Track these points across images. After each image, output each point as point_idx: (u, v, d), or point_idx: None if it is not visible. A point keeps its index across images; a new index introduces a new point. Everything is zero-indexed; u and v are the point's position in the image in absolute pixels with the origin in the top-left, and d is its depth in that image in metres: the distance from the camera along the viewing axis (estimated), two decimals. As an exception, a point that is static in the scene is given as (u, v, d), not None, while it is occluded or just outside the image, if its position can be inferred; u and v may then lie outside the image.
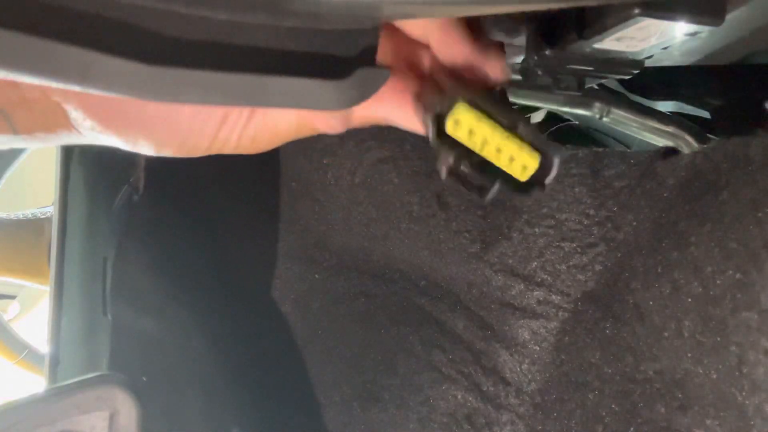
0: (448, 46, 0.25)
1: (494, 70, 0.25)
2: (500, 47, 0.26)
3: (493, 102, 0.25)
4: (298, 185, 0.57)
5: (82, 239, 0.51)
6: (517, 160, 0.25)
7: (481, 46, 0.25)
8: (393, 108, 0.26)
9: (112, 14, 0.16)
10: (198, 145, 0.25)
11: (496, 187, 0.25)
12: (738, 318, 0.32)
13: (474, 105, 0.24)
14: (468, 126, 0.24)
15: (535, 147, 0.25)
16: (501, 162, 0.25)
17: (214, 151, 0.26)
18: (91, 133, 0.23)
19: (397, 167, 0.51)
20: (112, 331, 0.47)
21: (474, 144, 0.25)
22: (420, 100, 0.26)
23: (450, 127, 0.24)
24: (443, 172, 0.25)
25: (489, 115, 0.24)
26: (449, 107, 0.24)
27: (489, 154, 0.25)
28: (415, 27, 0.25)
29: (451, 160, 0.25)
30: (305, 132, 0.26)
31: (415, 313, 0.54)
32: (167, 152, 0.25)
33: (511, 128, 0.25)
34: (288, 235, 0.59)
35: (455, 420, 0.51)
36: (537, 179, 0.26)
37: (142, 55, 0.17)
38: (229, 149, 0.26)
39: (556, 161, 0.25)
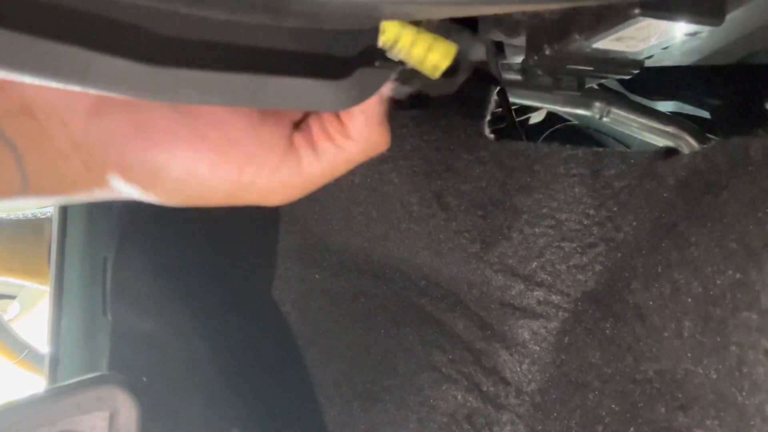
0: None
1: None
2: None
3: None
4: (298, 185, 0.57)
5: (82, 239, 0.51)
6: (430, 56, 0.26)
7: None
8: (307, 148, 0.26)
9: (112, 14, 0.16)
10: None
11: (417, 81, 0.27)
12: (738, 318, 0.32)
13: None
14: (392, 34, 0.25)
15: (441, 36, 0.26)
16: (417, 53, 0.26)
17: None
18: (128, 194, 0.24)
19: (397, 167, 0.51)
20: (112, 331, 0.47)
21: (400, 49, 0.25)
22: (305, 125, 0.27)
23: (381, 42, 0.25)
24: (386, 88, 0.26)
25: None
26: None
27: (406, 49, 0.25)
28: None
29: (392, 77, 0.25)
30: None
31: (415, 313, 0.54)
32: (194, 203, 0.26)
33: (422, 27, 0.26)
34: (288, 235, 0.59)
35: (455, 420, 0.51)
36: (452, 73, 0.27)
37: (142, 55, 0.17)
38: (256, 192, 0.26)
39: (454, 48, 0.26)
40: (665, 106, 0.56)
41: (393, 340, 0.55)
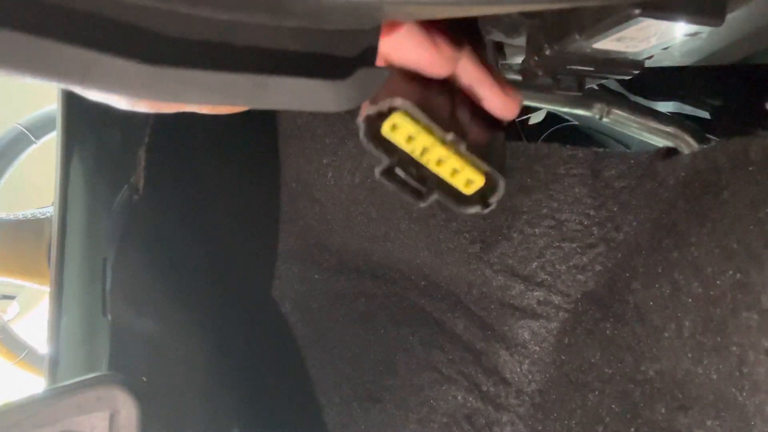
0: (398, 50, 0.23)
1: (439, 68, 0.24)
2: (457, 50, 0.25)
3: (438, 112, 0.23)
4: (298, 185, 0.57)
5: (82, 239, 0.51)
6: (462, 173, 0.24)
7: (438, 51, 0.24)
8: None
9: (113, 14, 0.16)
10: None
11: (435, 195, 0.25)
12: (738, 318, 0.32)
13: (415, 113, 0.23)
14: (407, 132, 0.23)
15: (478, 167, 0.24)
16: (443, 172, 0.24)
17: None
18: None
19: (397, 167, 0.51)
20: (111, 331, 0.47)
21: (413, 150, 0.23)
22: None
23: (386, 130, 0.23)
24: (377, 171, 0.24)
25: (430, 128, 0.23)
26: (388, 110, 0.23)
27: (430, 162, 0.24)
28: None
29: (385, 162, 0.24)
30: None
31: (415, 313, 0.54)
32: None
33: (453, 146, 0.24)
34: (288, 235, 0.59)
35: (455, 420, 0.51)
36: (482, 196, 0.25)
37: (143, 55, 0.17)
38: None
39: (502, 184, 0.24)
40: (665, 107, 0.56)
41: (393, 340, 0.55)
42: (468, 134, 0.24)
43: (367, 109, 0.23)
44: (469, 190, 0.25)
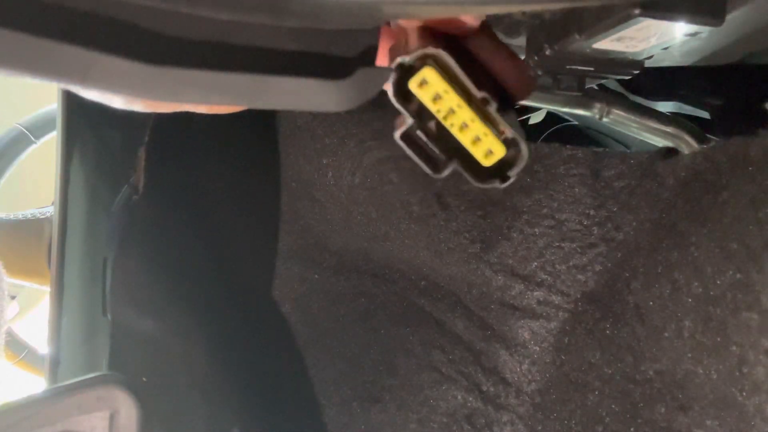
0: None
1: (469, 19, 0.23)
2: None
3: (472, 69, 0.22)
4: (298, 185, 0.57)
5: (82, 239, 0.51)
6: (484, 141, 0.23)
7: None
8: None
9: (112, 14, 0.16)
10: None
11: (453, 165, 0.23)
12: (738, 318, 0.32)
13: (447, 67, 0.22)
14: (435, 89, 0.22)
15: (505, 133, 0.23)
16: (465, 139, 0.23)
17: None
18: None
19: (397, 167, 0.51)
20: (111, 331, 0.47)
21: (438, 111, 0.22)
22: (392, 53, 0.23)
23: (414, 86, 0.22)
24: (396, 133, 0.23)
25: (462, 84, 0.22)
26: (419, 62, 0.22)
27: (453, 126, 0.23)
28: None
29: (408, 122, 0.23)
30: None
31: (415, 313, 0.54)
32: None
33: (483, 105, 0.22)
34: (288, 235, 0.59)
35: (455, 420, 0.51)
36: (500, 169, 0.24)
37: (142, 55, 0.17)
38: None
39: (525, 153, 0.23)
40: (665, 107, 0.56)
41: (393, 340, 0.55)
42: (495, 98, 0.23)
43: (399, 59, 0.22)
44: (488, 161, 0.23)
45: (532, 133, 0.74)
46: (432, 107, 0.22)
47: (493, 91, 0.24)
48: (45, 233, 0.80)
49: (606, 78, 0.35)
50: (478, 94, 0.22)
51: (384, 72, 0.21)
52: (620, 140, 0.77)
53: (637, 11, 0.24)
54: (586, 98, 0.53)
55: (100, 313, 0.48)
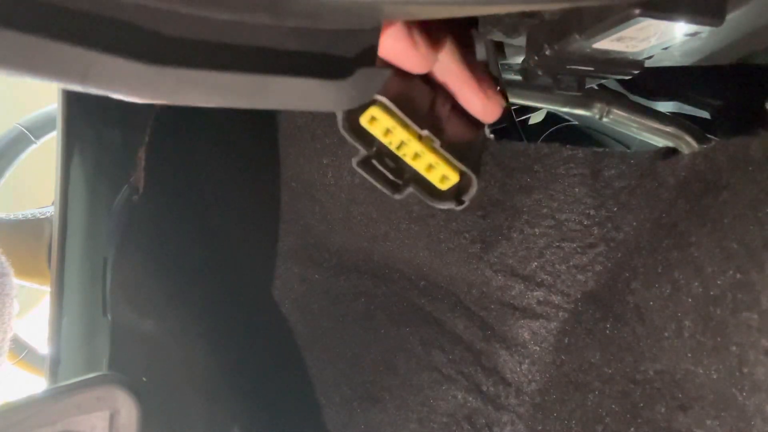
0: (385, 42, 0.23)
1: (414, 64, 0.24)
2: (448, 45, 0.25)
3: (416, 108, 0.24)
4: (298, 185, 0.57)
5: (82, 239, 0.51)
6: (437, 169, 0.24)
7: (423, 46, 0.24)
8: None
9: (112, 14, 0.16)
10: None
11: (410, 188, 0.25)
12: (738, 318, 0.32)
13: (391, 108, 0.23)
14: (385, 125, 0.23)
15: (453, 165, 0.25)
16: (418, 166, 0.25)
17: None
18: None
19: (397, 167, 0.51)
20: (111, 331, 0.47)
21: (390, 143, 0.24)
22: None
23: (365, 122, 0.23)
24: (354, 161, 0.25)
25: (405, 123, 0.24)
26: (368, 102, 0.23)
27: (407, 156, 0.24)
28: None
29: (361, 153, 0.24)
30: None
31: (415, 313, 0.54)
32: None
33: (428, 142, 0.24)
34: (288, 235, 0.59)
35: (455, 420, 0.51)
36: (458, 192, 0.26)
37: (142, 55, 0.17)
38: None
39: (474, 183, 0.25)
40: (665, 107, 0.56)
41: (393, 340, 0.55)
42: (445, 131, 0.25)
43: None
44: (443, 186, 0.25)
45: (532, 133, 0.74)
46: (384, 140, 0.24)
47: (456, 117, 0.25)
48: (45, 233, 0.80)
49: (606, 78, 0.35)
50: (422, 133, 0.24)
51: (384, 72, 0.22)
52: (620, 140, 0.77)
53: (637, 11, 0.24)
54: (586, 98, 0.53)
55: (100, 313, 0.48)
